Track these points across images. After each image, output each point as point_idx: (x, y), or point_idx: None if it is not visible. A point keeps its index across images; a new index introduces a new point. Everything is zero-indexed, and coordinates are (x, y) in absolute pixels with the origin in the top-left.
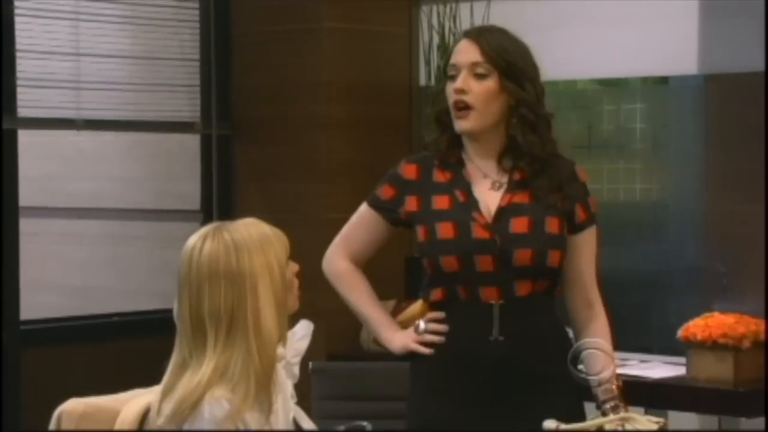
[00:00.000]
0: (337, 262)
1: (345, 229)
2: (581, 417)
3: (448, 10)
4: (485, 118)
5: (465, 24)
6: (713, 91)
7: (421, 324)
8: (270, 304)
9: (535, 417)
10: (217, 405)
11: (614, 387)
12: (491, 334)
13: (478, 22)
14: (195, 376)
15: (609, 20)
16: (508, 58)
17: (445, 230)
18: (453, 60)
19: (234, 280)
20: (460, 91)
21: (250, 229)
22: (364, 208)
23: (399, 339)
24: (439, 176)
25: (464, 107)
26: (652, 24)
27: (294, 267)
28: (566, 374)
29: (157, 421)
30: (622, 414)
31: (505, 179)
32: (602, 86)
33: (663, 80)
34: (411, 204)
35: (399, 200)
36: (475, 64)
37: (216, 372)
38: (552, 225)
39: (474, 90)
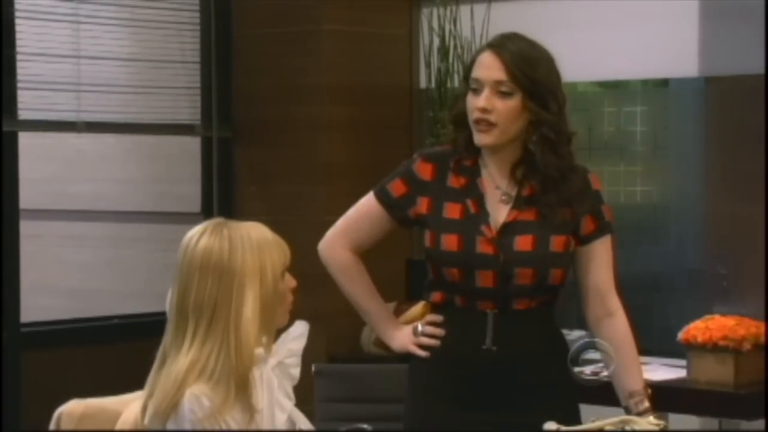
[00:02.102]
0: (340, 251)
1: (348, 218)
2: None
3: (448, 12)
4: (506, 135)
5: (465, 26)
6: (713, 93)
7: (419, 326)
8: (255, 307)
9: (526, 426)
10: (197, 403)
11: (646, 399)
12: (484, 342)
13: (478, 24)
14: (172, 372)
15: (609, 22)
16: (532, 76)
17: (449, 242)
18: (476, 74)
19: (223, 276)
20: (484, 110)
21: (251, 230)
22: (371, 200)
23: (399, 338)
24: (453, 181)
25: (487, 124)
26: (652, 26)
27: (291, 282)
28: (562, 384)
29: (144, 420)
30: (622, 417)
31: (513, 192)
32: (602, 88)
33: (663, 82)
34: (422, 206)
35: (410, 199)
36: (499, 83)
37: (192, 367)
38: (557, 244)
39: (498, 108)
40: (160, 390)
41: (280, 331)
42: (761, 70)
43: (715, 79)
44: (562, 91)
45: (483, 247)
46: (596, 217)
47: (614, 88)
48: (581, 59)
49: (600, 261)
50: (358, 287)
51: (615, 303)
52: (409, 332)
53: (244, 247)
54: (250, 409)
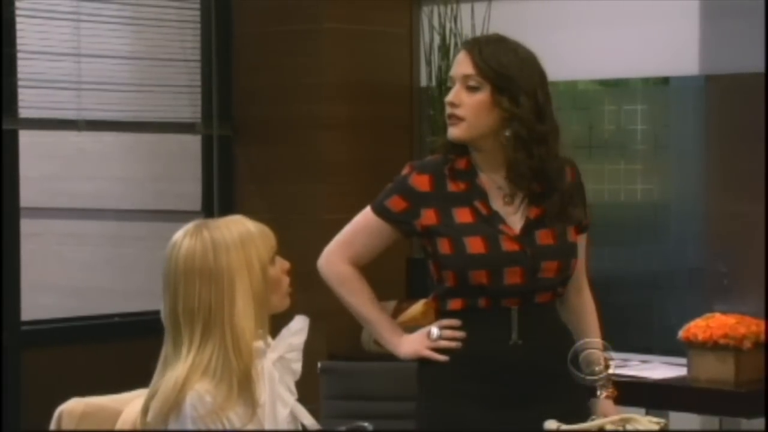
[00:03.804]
0: (339, 265)
1: (347, 232)
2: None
3: (449, 10)
4: (476, 129)
5: (466, 25)
6: (714, 91)
7: (435, 330)
8: (248, 302)
9: (552, 417)
10: (199, 400)
11: (603, 365)
12: (510, 338)
13: (479, 23)
14: (173, 374)
15: (610, 21)
16: (500, 71)
17: (475, 245)
18: (451, 72)
19: (210, 278)
20: (452, 104)
21: (231, 226)
22: (370, 216)
23: (408, 345)
24: (453, 187)
25: (456, 118)
26: (652, 25)
27: (284, 264)
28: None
29: (145, 419)
30: (622, 415)
31: (516, 192)
32: (603, 87)
33: (664, 81)
34: (428, 217)
35: (413, 213)
36: (467, 77)
37: (194, 369)
38: (572, 234)
39: (465, 102)
40: (162, 392)
41: (280, 321)
42: (761, 69)
43: (715, 77)
44: (547, 91)
45: (508, 245)
46: (586, 209)
47: (615, 86)
48: (582, 57)
49: (584, 247)
50: (359, 298)
51: (584, 282)
52: (420, 338)
53: (227, 245)
54: (252, 403)
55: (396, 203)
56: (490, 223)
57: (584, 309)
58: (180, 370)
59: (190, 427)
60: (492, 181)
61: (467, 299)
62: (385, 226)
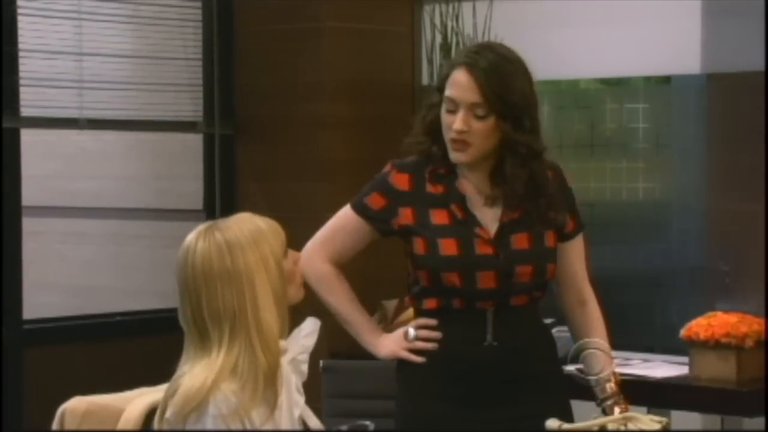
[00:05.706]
0: (318, 263)
1: (326, 231)
2: (569, 414)
3: (450, 9)
4: (481, 152)
5: (467, 23)
6: (716, 90)
7: (411, 331)
8: (269, 299)
9: (526, 417)
10: (224, 400)
11: (613, 384)
12: (485, 339)
13: (480, 21)
14: (202, 375)
15: (611, 20)
16: (507, 98)
17: (448, 247)
18: (451, 93)
19: (230, 280)
20: (461, 131)
21: (242, 225)
22: (349, 214)
23: (385, 345)
24: (432, 188)
25: (463, 144)
26: (654, 23)
27: (295, 256)
28: (553, 373)
29: (164, 416)
30: (625, 414)
31: (497, 195)
32: (605, 85)
33: (665, 79)
34: (405, 216)
35: (391, 211)
36: (475, 105)
37: (222, 371)
38: (549, 240)
39: (474, 129)
40: (186, 390)
41: (294, 314)
42: (762, 67)
43: (717, 76)
44: (535, 94)
45: (482, 249)
46: (575, 215)
47: (616, 85)
48: (583, 56)
49: (578, 255)
50: (337, 298)
51: (589, 292)
52: (398, 338)
53: (242, 245)
54: (273, 403)
55: (375, 201)
56: (465, 225)
57: (590, 324)
58: (209, 371)
59: (209, 424)
60: (473, 185)
61: (442, 299)
62: (364, 224)
